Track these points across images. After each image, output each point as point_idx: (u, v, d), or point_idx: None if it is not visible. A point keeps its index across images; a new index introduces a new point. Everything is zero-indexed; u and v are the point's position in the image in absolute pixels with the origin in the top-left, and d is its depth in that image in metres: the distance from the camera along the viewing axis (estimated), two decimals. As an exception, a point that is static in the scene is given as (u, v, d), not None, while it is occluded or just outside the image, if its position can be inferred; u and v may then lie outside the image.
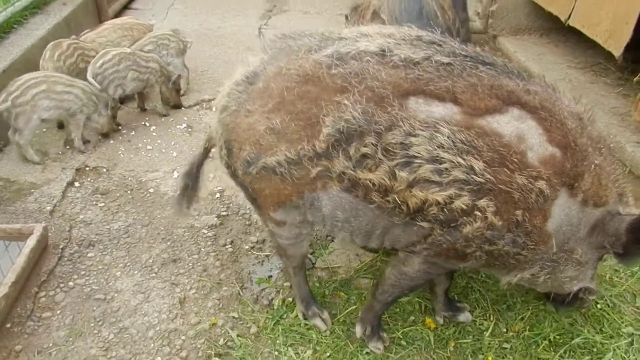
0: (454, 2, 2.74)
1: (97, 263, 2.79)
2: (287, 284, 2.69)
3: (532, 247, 1.80)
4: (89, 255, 2.84)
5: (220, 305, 2.59)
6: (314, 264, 2.80)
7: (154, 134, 3.89)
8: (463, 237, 1.80)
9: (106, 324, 2.47)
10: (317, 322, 2.46)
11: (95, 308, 2.55)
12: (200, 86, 4.55)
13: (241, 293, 2.65)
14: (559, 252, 1.85)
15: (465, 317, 2.50)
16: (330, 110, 1.77)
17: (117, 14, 5.59)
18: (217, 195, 3.32)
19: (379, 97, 1.75)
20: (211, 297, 2.63)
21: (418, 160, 1.72)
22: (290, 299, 2.59)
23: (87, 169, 3.50)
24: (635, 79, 3.99)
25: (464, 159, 1.69)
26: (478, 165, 1.69)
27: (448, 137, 1.69)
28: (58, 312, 2.52)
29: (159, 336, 2.43)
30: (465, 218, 1.75)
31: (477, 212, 1.73)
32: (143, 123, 3.99)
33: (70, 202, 3.20)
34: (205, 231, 3.03)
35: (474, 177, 1.69)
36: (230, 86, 2.03)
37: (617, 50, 3.90)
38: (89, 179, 3.41)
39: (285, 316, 2.52)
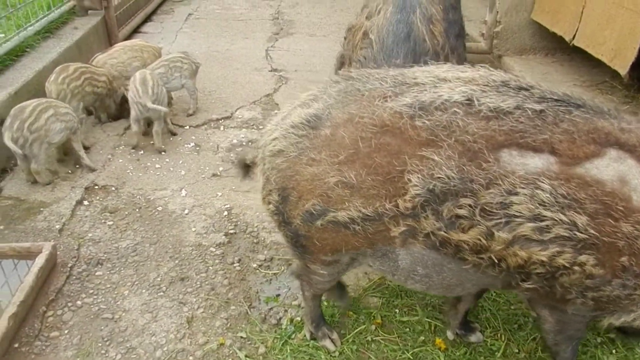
0: (446, 29, 2.73)
1: (105, 282, 2.79)
2: (295, 302, 2.67)
3: None
4: (97, 273, 2.83)
5: (228, 325, 2.57)
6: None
7: (163, 152, 3.92)
8: (559, 285, 1.72)
9: (114, 344, 2.46)
10: (327, 343, 2.43)
11: (103, 327, 2.53)
12: (208, 106, 4.60)
13: (249, 312, 2.63)
14: None
15: (477, 337, 2.45)
16: (416, 166, 1.65)
17: (127, 38, 5.70)
18: (225, 213, 3.32)
19: (471, 152, 1.63)
20: (219, 317, 2.61)
21: (518, 219, 1.61)
22: (299, 318, 2.57)
23: (96, 187, 3.52)
24: (642, 97, 4.00)
25: (565, 215, 1.59)
26: (581, 220, 1.59)
27: (550, 194, 1.58)
28: (66, 331, 2.51)
29: (167, 357, 2.41)
30: (563, 271, 1.67)
31: (576, 267, 1.64)
32: (151, 142, 4.02)
33: (79, 221, 3.21)
34: (213, 249, 3.03)
35: (577, 233, 1.60)
36: (286, 128, 1.88)
37: (623, 69, 3.92)
38: (98, 198, 3.43)
39: (293, 336, 2.49)
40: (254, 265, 2.92)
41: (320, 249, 1.94)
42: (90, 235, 3.10)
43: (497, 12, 5.23)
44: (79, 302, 2.66)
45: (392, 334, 2.50)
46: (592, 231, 1.60)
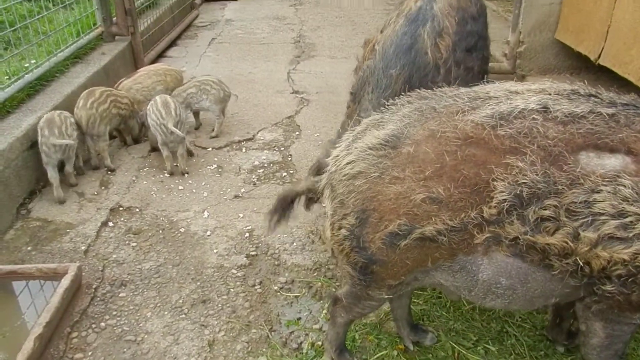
0: (455, 42, 2.72)
1: (129, 303, 2.81)
2: (316, 326, 2.65)
3: None
4: (121, 295, 2.86)
5: (249, 349, 2.55)
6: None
7: (186, 175, 3.97)
8: (636, 294, 1.70)
9: (135, 366, 2.47)
10: (349, 369, 2.39)
11: (125, 350, 2.55)
12: (231, 128, 4.66)
13: (270, 336, 2.62)
14: None
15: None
16: (502, 173, 1.68)
17: (153, 62, 5.84)
18: (247, 235, 3.33)
19: (552, 155, 1.68)
20: (240, 340, 2.60)
21: (603, 217, 1.64)
22: (320, 343, 2.54)
23: (121, 209, 3.58)
24: (671, 116, 3.90)
25: None
26: None
27: (632, 189, 1.61)
28: (89, 353, 2.53)
29: (188, 379, 2.40)
30: None
31: None
32: (175, 164, 4.08)
33: (104, 242, 3.26)
34: (235, 271, 3.03)
35: None
36: (363, 150, 1.88)
37: (651, 88, 3.84)
38: (122, 219, 3.48)
39: (314, 360, 2.47)
40: (275, 288, 2.91)
41: (394, 272, 1.92)
42: (114, 256, 3.14)
43: (520, 32, 5.21)
44: (102, 324, 2.68)
45: (415, 359, 2.45)
46: None
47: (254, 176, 3.97)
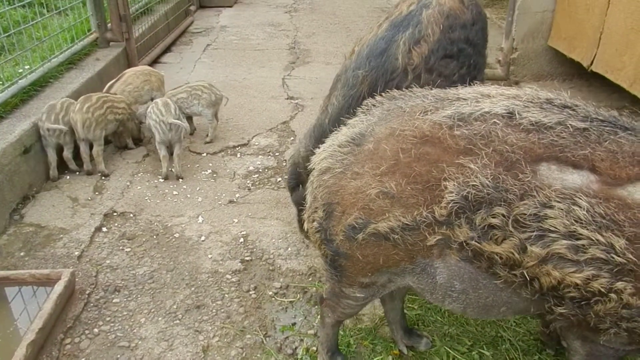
0: (431, 50, 2.72)
1: (122, 309, 2.79)
2: (311, 331, 2.64)
3: None
4: (115, 300, 2.84)
5: (244, 355, 2.54)
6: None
7: (180, 180, 3.96)
8: (594, 313, 1.66)
9: (129, 372, 2.45)
10: (343, 372, 2.39)
11: (119, 356, 2.53)
12: (225, 133, 4.66)
13: (265, 341, 2.61)
14: None
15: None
16: (453, 173, 1.66)
17: (147, 67, 5.83)
18: (241, 240, 3.32)
19: (509, 162, 1.63)
20: (234, 346, 2.59)
21: (553, 235, 1.57)
22: (315, 348, 2.53)
23: (115, 214, 3.56)
24: (663, 122, 3.94)
25: (602, 236, 1.53)
26: (619, 243, 1.53)
27: (587, 211, 1.53)
28: (83, 359, 2.51)
29: (182, 385, 2.38)
30: (598, 298, 1.60)
31: (612, 294, 1.58)
32: (170, 169, 4.07)
33: (98, 247, 3.24)
34: (229, 276, 3.02)
35: (614, 256, 1.54)
36: (333, 147, 1.94)
37: (643, 94, 3.88)
38: (116, 224, 3.46)
39: (309, 365, 2.46)
40: (270, 293, 2.90)
41: (360, 268, 1.94)
42: (108, 262, 3.12)
43: (514, 39, 5.25)
44: (96, 330, 2.66)
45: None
46: (630, 256, 1.53)
47: (248, 181, 3.97)
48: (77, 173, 4.01)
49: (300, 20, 8.35)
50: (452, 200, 1.65)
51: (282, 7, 9.17)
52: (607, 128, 1.67)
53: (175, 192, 3.82)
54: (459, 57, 2.86)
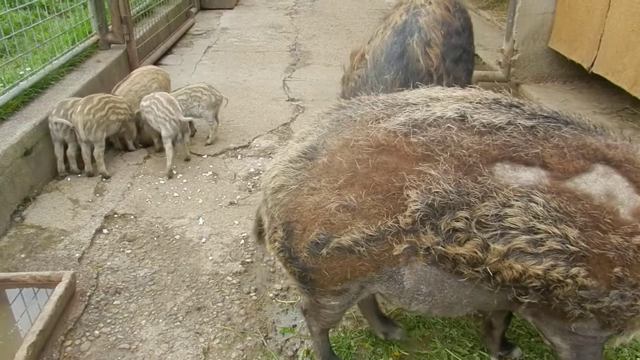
0: (444, 53, 2.76)
1: (123, 311, 2.79)
2: (312, 333, 2.64)
3: None
4: (115, 302, 2.84)
5: (244, 357, 2.54)
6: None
7: (181, 181, 3.97)
8: (555, 297, 1.73)
9: (129, 374, 2.45)
10: (341, 376, 2.38)
11: (120, 358, 2.52)
12: (226, 135, 4.66)
13: (265, 343, 2.60)
14: None
15: (518, 352, 2.44)
16: (414, 181, 1.69)
17: (149, 69, 5.83)
18: (242, 241, 3.32)
19: (467, 166, 1.68)
20: (235, 348, 2.58)
21: (513, 232, 1.65)
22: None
23: (116, 216, 3.56)
24: (664, 124, 3.94)
25: (558, 228, 1.63)
26: (572, 233, 1.63)
27: (543, 207, 1.63)
28: (82, 361, 2.51)
29: (182, 387, 2.38)
30: (557, 284, 1.69)
31: (569, 280, 1.67)
32: (173, 169, 4.07)
33: (99, 249, 3.24)
34: (230, 278, 3.02)
35: (569, 246, 1.63)
36: (284, 164, 1.91)
37: (644, 96, 3.88)
38: (117, 226, 3.46)
39: (310, 367, 2.45)
40: (271, 295, 2.90)
41: (329, 280, 1.93)
42: (109, 264, 3.12)
43: (514, 40, 5.26)
44: (96, 332, 2.66)
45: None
46: (582, 244, 1.63)
47: (249, 183, 3.97)
48: (78, 175, 4.02)
49: (300, 22, 8.36)
50: (417, 208, 1.68)
51: (283, 9, 9.18)
52: (552, 124, 1.75)
53: (175, 194, 3.82)
54: (461, 61, 2.90)
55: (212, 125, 4.50)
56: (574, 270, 1.65)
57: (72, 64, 4.86)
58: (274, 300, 2.87)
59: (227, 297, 2.89)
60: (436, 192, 1.66)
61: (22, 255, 3.16)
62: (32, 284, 2.82)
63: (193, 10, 8.32)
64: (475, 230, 1.66)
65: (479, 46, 6.32)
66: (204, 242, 3.32)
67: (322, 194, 1.79)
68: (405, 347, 2.54)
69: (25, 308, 2.75)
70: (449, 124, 1.74)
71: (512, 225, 1.64)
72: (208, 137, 4.53)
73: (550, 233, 1.63)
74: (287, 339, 2.62)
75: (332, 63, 6.49)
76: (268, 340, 2.62)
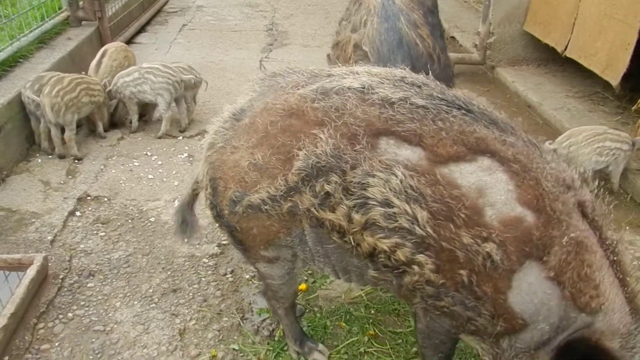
0: (431, 31, 2.80)
1: (97, 293, 2.77)
2: (289, 314, 2.66)
3: (487, 316, 1.66)
4: (89, 285, 2.81)
5: (221, 337, 2.55)
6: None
7: (156, 163, 3.91)
8: (405, 285, 1.76)
9: (105, 357, 2.43)
10: (316, 355, 2.41)
11: (94, 340, 2.51)
12: (202, 116, 4.60)
13: (242, 324, 2.62)
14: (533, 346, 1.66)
15: None
16: (307, 143, 1.74)
17: (122, 47, 5.70)
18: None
19: (352, 133, 1.72)
20: (211, 328, 2.59)
21: (372, 202, 1.67)
22: (292, 330, 2.55)
23: (89, 198, 3.51)
24: (634, 107, 4.03)
25: (410, 207, 1.62)
26: (421, 215, 1.61)
27: (400, 182, 1.62)
28: (57, 344, 2.48)
29: (158, 368, 2.39)
30: (405, 267, 1.71)
31: (415, 266, 1.68)
32: (145, 152, 4.02)
33: (71, 232, 3.19)
34: (206, 260, 3.01)
35: (416, 228, 1.62)
36: (218, 124, 2.00)
37: (615, 80, 3.96)
38: (90, 209, 3.41)
39: (286, 348, 2.47)
40: (247, 277, 2.91)
41: (252, 240, 2.00)
42: (82, 246, 3.08)
43: (490, 23, 5.28)
44: (70, 314, 2.63)
45: (385, 345, 2.50)
46: (430, 230, 1.62)
47: (225, 165, 3.94)
48: (49, 156, 3.92)
49: (277, 1, 8.24)
50: (300, 167, 1.74)
51: (260, -12, 9.02)
52: (445, 107, 1.74)
53: (150, 176, 3.77)
54: (442, 39, 2.93)
55: (189, 106, 4.43)
56: (420, 257, 1.65)
57: (42, 41, 4.72)
58: (250, 282, 2.88)
59: (203, 278, 2.89)
60: (318, 153, 1.71)
61: (-8, 238, 3.10)
62: (3, 267, 2.77)
63: (167, -13, 8.11)
64: (342, 196, 1.71)
65: (455, 28, 6.33)
66: (179, 224, 3.29)
67: (239, 153, 1.86)
68: (381, 325, 2.59)
69: (-4, 291, 2.71)
70: (349, 94, 1.79)
71: (371, 196, 1.67)
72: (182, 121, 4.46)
73: (402, 210, 1.63)
74: (264, 320, 2.64)
75: (309, 43, 6.44)
76: (244, 321, 2.64)
